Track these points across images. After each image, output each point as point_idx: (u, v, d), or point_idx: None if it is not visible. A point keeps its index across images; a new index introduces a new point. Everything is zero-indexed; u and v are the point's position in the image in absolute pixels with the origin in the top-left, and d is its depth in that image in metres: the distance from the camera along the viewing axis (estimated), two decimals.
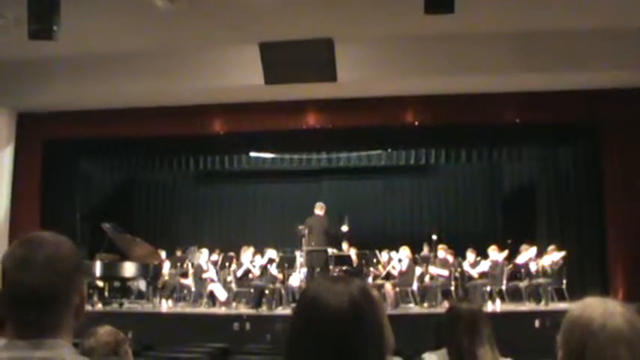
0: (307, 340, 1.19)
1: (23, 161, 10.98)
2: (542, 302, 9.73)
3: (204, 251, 11.12)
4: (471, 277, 10.63)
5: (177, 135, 11.13)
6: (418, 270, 10.62)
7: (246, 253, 10.64)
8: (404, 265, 10.31)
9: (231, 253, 11.46)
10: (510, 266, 10.61)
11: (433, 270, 10.52)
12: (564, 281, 10.02)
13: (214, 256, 11.67)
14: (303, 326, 1.22)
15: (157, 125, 10.78)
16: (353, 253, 10.82)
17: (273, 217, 13.94)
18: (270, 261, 10.56)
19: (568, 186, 11.37)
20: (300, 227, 10.25)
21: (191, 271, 11.32)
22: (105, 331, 2.51)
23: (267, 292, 10.15)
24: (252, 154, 12.28)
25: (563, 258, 10.02)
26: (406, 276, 10.31)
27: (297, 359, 1.21)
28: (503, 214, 13.23)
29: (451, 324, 2.62)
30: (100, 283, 10.50)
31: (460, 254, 10.95)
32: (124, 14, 8.17)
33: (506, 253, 10.57)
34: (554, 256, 10.03)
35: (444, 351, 2.66)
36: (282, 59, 9.09)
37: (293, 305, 9.44)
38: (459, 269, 10.75)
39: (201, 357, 6.19)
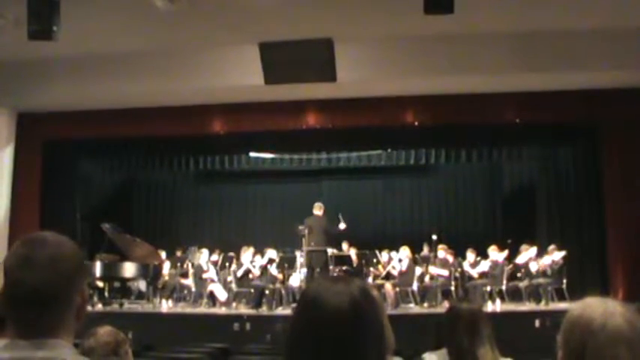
0: (308, 340, 1.19)
1: (23, 161, 10.98)
2: (542, 302, 9.73)
3: (205, 251, 11.12)
4: (471, 277, 10.63)
5: (177, 135, 11.13)
6: (418, 270, 10.62)
7: (246, 254, 10.64)
8: (404, 265, 10.31)
9: (231, 254, 11.46)
10: (510, 266, 10.61)
11: (433, 270, 10.52)
12: (564, 281, 10.02)
13: (214, 257, 11.67)
14: (303, 326, 1.22)
15: (157, 125, 10.78)
16: (353, 253, 10.83)
17: (273, 217, 13.94)
18: (270, 261, 10.56)
19: (568, 186, 11.38)
20: (300, 227, 10.25)
21: (191, 271, 11.31)
22: (105, 331, 2.51)
23: (267, 292, 10.15)
24: (252, 154, 12.28)
25: (564, 258, 10.03)
26: (406, 276, 10.31)
27: (297, 359, 1.22)
28: (503, 214, 13.22)
29: (451, 324, 2.62)
30: (100, 284, 10.50)
31: (460, 254, 10.95)
32: (124, 14, 8.17)
33: (506, 253, 10.56)
34: (555, 256, 10.03)
35: (444, 351, 2.66)
36: (282, 59, 9.09)
37: (293, 305, 9.47)
38: (459, 269, 10.75)
39: (201, 357, 6.19)
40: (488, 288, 10.28)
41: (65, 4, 6.56)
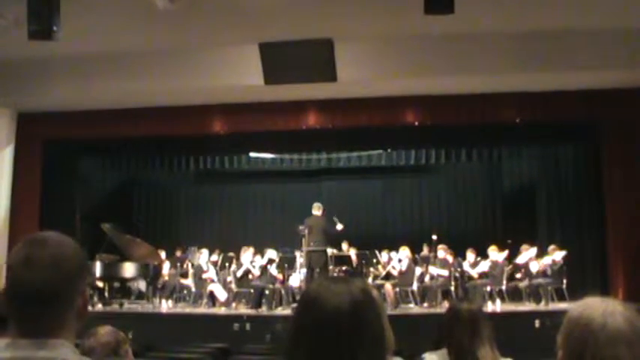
0: (308, 340, 1.20)
1: (23, 161, 10.97)
2: (542, 302, 9.72)
3: (204, 251, 11.12)
4: (470, 277, 10.63)
5: (178, 135, 11.13)
6: (418, 270, 10.62)
7: (246, 254, 10.64)
8: (404, 265, 10.31)
9: (231, 254, 11.45)
10: (510, 266, 10.61)
11: (433, 270, 10.52)
12: (564, 281, 10.02)
13: (214, 257, 11.67)
14: (304, 326, 1.22)
15: (157, 125, 10.78)
16: (353, 253, 10.83)
17: (273, 217, 13.95)
18: (270, 261, 10.56)
19: (568, 186, 11.38)
20: (300, 227, 10.25)
21: (191, 271, 11.31)
22: (105, 331, 2.51)
23: (267, 292, 10.15)
24: (252, 154, 12.29)
25: (564, 258, 10.02)
26: (406, 276, 10.31)
27: (297, 359, 1.22)
28: (503, 214, 13.23)
29: (451, 324, 2.62)
30: (100, 284, 10.51)
31: (460, 254, 10.95)
32: (124, 14, 8.17)
33: (506, 253, 10.57)
34: (555, 256, 10.03)
35: (444, 351, 2.65)
36: (282, 59, 9.09)
37: (293, 306, 9.48)
38: (458, 269, 10.75)
39: (201, 357, 6.19)
40: (488, 288, 10.28)
41: (65, 4, 6.56)
